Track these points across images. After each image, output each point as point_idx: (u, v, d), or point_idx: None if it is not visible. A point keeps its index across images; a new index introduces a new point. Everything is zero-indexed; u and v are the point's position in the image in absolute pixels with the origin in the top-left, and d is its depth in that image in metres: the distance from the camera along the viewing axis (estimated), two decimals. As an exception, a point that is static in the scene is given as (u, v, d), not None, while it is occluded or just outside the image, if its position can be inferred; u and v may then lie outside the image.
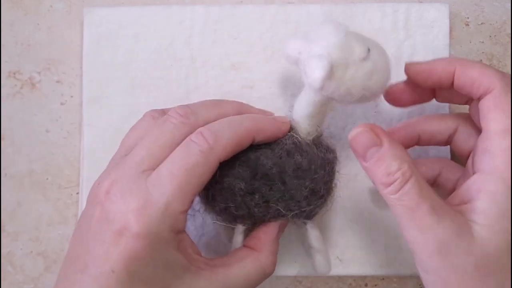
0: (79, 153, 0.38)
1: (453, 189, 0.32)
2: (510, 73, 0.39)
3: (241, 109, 0.32)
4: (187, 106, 0.30)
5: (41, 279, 0.38)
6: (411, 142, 0.34)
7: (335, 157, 0.33)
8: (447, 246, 0.26)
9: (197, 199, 0.33)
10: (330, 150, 0.32)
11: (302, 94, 0.31)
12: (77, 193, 0.38)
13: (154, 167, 0.27)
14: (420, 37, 0.38)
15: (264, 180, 0.30)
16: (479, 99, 0.29)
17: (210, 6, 0.38)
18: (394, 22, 0.38)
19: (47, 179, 0.38)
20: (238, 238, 0.32)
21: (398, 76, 0.38)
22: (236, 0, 0.39)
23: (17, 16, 0.39)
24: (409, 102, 0.34)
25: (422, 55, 0.38)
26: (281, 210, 0.31)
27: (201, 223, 0.36)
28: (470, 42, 0.39)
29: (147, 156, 0.27)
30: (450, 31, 0.38)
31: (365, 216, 0.37)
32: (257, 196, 0.30)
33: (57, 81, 0.39)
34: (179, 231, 0.27)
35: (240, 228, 0.32)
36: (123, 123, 0.37)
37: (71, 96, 0.39)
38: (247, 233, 0.33)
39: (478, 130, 0.29)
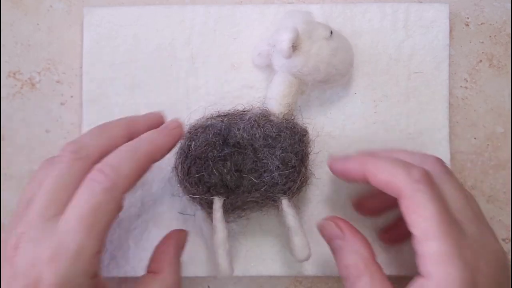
0: (79, 153, 0.38)
1: None
2: (510, 72, 0.39)
3: (130, 126, 0.31)
4: (74, 141, 0.29)
5: (41, 279, 0.38)
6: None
7: (305, 131, 0.34)
8: None
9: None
10: (299, 126, 0.34)
11: (275, 77, 0.35)
12: (77, 193, 0.38)
13: (59, 212, 0.26)
14: (419, 37, 0.38)
15: (235, 147, 0.33)
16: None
17: (210, 6, 0.38)
18: (394, 22, 0.38)
19: (47, 179, 0.38)
20: (217, 215, 0.33)
21: (398, 76, 0.38)
22: (236, 0, 0.39)
23: (17, 16, 0.39)
24: (377, 210, 0.36)
25: (421, 55, 0.38)
26: (254, 180, 0.32)
27: (200, 224, 0.37)
28: (470, 42, 0.39)
29: (50, 203, 0.26)
30: (450, 31, 0.38)
31: (365, 216, 0.37)
32: (229, 163, 0.32)
33: (57, 81, 0.39)
34: (95, 275, 0.26)
35: (217, 203, 0.33)
36: (123, 123, 0.37)
37: (71, 96, 0.39)
38: (228, 218, 0.34)
39: None
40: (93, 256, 0.26)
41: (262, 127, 0.33)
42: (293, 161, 0.33)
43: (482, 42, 0.39)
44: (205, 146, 0.32)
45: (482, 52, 0.39)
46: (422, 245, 0.27)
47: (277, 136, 0.33)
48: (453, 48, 0.39)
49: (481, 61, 0.39)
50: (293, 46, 0.32)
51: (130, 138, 0.30)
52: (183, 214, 0.37)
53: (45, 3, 0.39)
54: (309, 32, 0.33)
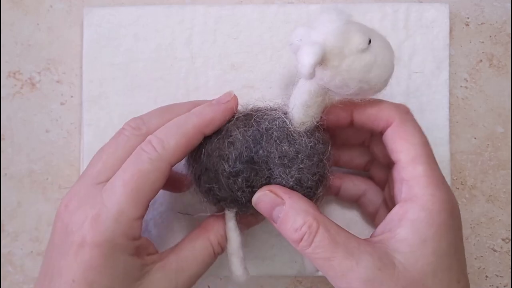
0: (79, 153, 0.38)
1: (374, 213, 0.34)
2: (510, 72, 0.39)
3: (194, 107, 0.31)
4: (139, 117, 0.31)
5: (41, 279, 0.38)
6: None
7: (327, 149, 0.31)
8: (372, 283, 0.26)
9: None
10: (322, 141, 0.31)
11: (299, 83, 0.30)
12: (77, 193, 0.38)
13: (109, 178, 0.28)
14: (420, 37, 0.38)
15: (249, 163, 0.30)
16: (381, 133, 0.30)
17: (210, 6, 0.38)
18: (394, 22, 0.38)
19: (47, 179, 0.38)
20: (230, 224, 0.32)
21: (398, 76, 0.38)
22: (236, 0, 0.39)
23: (17, 16, 0.39)
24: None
25: (422, 55, 0.38)
26: None
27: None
28: (470, 42, 0.39)
29: (103, 169, 0.28)
30: (450, 31, 0.38)
31: (365, 215, 0.37)
32: (240, 180, 0.30)
33: (57, 81, 0.39)
34: (135, 238, 0.28)
35: (228, 214, 0.32)
36: (123, 123, 0.37)
37: (71, 96, 0.39)
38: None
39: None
40: (133, 220, 0.27)
41: (279, 145, 0.30)
42: (309, 182, 0.30)
43: (482, 42, 0.39)
44: (217, 157, 0.30)
45: (482, 52, 0.39)
46: (409, 170, 0.28)
47: (294, 157, 0.30)
48: (453, 48, 0.39)
49: (481, 61, 0.39)
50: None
51: None
52: (183, 214, 0.37)
53: (45, 3, 0.39)
54: (339, 47, 0.27)
